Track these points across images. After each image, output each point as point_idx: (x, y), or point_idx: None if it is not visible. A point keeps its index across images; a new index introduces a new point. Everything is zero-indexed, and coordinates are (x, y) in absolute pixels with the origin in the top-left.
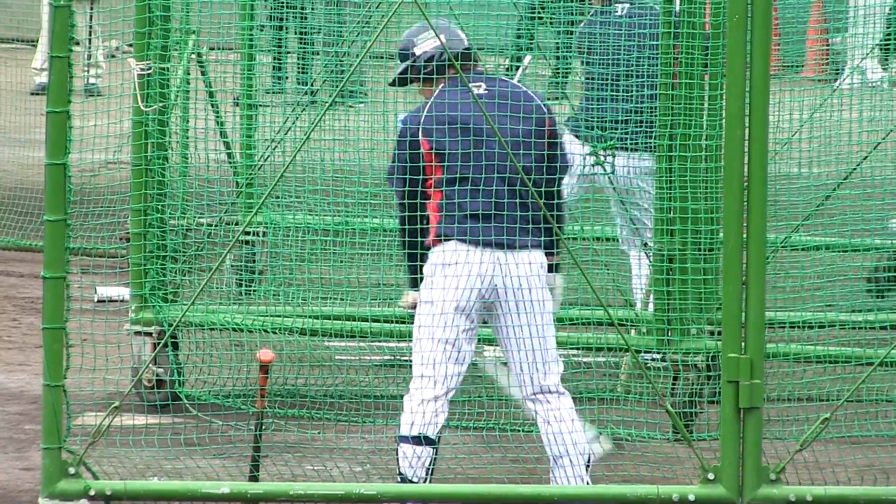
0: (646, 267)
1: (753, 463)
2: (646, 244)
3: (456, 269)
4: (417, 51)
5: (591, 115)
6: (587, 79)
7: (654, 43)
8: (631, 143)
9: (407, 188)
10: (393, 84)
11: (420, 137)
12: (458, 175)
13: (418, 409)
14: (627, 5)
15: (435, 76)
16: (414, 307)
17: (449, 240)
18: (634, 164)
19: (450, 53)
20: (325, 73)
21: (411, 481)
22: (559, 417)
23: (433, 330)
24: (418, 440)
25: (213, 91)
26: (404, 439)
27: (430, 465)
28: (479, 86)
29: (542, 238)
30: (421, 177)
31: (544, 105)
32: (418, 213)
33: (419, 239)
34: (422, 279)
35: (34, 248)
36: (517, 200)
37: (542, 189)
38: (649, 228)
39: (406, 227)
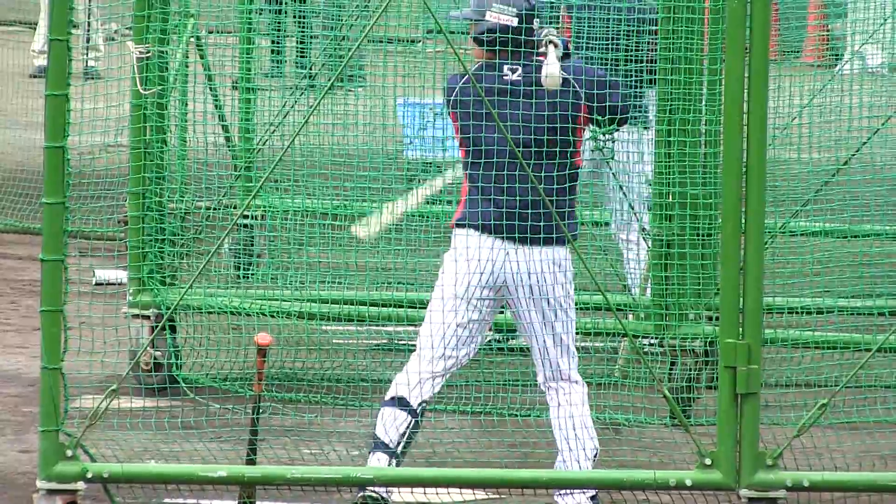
0: (644, 251)
1: (751, 448)
2: (644, 228)
3: (465, 257)
4: (488, 16)
5: None
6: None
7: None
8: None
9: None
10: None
11: (449, 109)
12: (481, 162)
13: (404, 379)
14: None
15: (497, 48)
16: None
17: (462, 227)
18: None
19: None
20: (323, 57)
21: (381, 441)
22: (569, 402)
23: (439, 311)
24: (398, 403)
25: (212, 74)
26: (385, 403)
27: (405, 431)
28: (516, 69)
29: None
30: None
31: (582, 84)
32: None
33: None
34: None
35: (33, 230)
36: (537, 198)
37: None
38: (645, 212)
39: None
